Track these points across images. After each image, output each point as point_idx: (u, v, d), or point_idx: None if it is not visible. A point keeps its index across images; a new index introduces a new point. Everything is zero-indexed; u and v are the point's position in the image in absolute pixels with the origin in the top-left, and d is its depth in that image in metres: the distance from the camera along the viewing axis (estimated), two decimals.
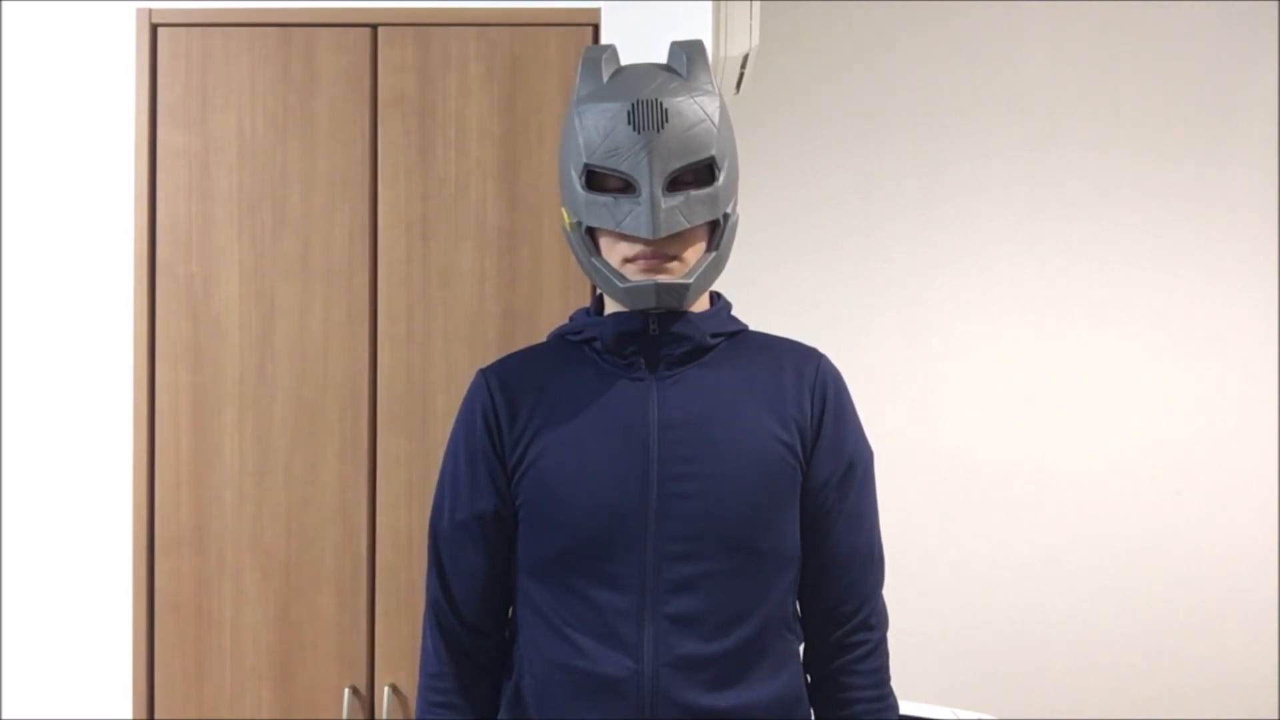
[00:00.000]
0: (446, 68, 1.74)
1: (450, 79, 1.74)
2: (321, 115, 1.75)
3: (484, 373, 1.26)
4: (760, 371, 1.21)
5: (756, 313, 1.36)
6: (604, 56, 1.19)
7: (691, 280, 1.15)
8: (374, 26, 1.75)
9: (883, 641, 1.26)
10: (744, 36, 2.00)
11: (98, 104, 1.83)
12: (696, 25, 1.76)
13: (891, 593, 2.80)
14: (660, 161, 1.11)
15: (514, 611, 1.26)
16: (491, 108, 1.74)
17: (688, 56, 1.17)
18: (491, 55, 1.74)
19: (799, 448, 1.18)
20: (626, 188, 1.13)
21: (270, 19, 1.75)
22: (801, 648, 1.26)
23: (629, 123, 1.11)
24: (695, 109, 1.13)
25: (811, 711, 1.25)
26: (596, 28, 1.75)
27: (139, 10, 1.76)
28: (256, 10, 1.77)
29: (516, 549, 1.22)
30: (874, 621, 1.25)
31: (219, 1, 1.78)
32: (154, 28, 1.76)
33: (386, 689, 1.72)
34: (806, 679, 1.26)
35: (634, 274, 1.15)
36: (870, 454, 1.27)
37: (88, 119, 1.83)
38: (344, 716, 1.71)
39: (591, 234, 1.18)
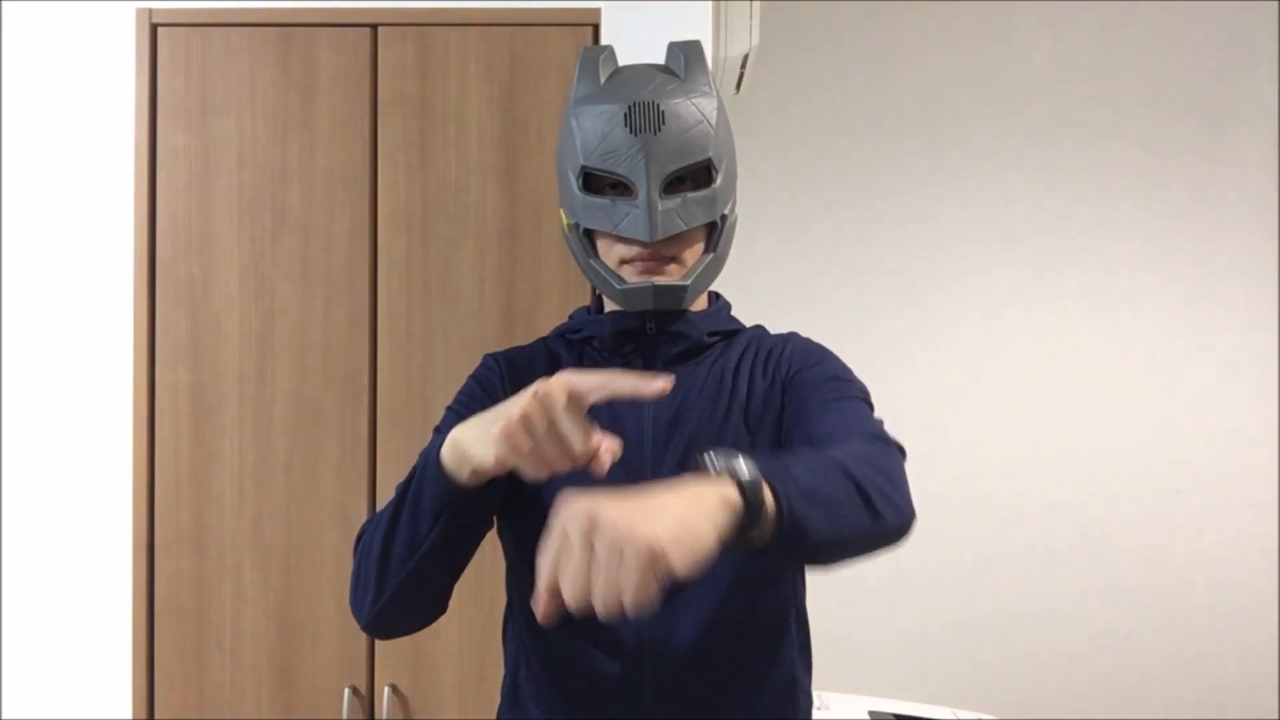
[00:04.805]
0: (446, 68, 1.74)
1: (450, 79, 1.74)
2: (321, 115, 1.75)
3: (492, 356, 1.26)
4: (747, 369, 1.21)
5: (756, 313, 1.36)
6: (601, 57, 1.18)
7: (689, 282, 1.15)
8: (374, 26, 1.75)
9: (895, 451, 1.00)
10: (744, 36, 2.00)
11: (98, 104, 1.83)
12: (696, 25, 1.76)
13: (892, 592, 2.82)
14: (657, 164, 1.10)
15: (508, 608, 1.26)
16: (491, 108, 1.74)
17: (685, 58, 1.17)
18: (491, 55, 1.74)
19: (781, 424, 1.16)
20: (624, 190, 1.13)
21: (270, 19, 1.76)
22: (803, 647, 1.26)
23: (626, 125, 1.11)
24: (692, 110, 1.13)
25: (812, 710, 1.25)
26: (596, 28, 1.75)
27: (139, 10, 1.76)
28: (256, 10, 1.77)
29: (510, 546, 1.22)
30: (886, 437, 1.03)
31: (219, 1, 1.78)
32: (154, 28, 1.76)
33: (386, 689, 1.72)
34: (808, 678, 1.26)
35: (631, 276, 1.15)
36: (853, 375, 1.15)
37: (88, 119, 1.83)
38: (344, 716, 1.71)
39: (589, 235, 1.18)
